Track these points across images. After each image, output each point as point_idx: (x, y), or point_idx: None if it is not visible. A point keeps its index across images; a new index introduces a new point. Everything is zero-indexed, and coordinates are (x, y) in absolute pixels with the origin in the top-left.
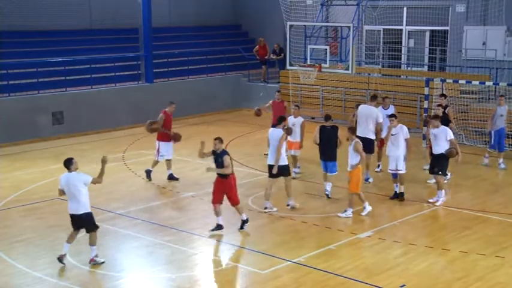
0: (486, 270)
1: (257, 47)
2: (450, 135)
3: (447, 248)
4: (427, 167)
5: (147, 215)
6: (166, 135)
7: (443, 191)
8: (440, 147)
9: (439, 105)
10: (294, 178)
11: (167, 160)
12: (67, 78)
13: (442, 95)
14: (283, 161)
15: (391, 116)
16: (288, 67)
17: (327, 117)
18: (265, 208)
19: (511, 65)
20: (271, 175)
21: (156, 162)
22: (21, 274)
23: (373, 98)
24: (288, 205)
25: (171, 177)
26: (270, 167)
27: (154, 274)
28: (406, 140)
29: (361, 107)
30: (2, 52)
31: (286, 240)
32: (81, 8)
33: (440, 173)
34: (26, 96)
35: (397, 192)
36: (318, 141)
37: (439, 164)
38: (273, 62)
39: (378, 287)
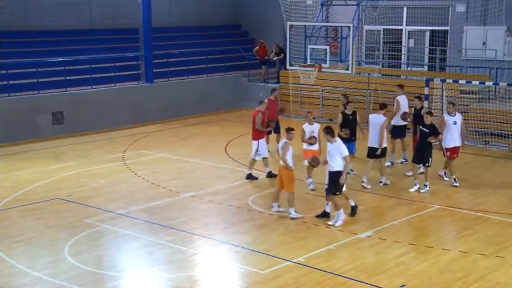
0: (486, 270)
1: (257, 47)
2: (344, 151)
3: (447, 248)
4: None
5: (147, 215)
6: (264, 132)
7: (341, 210)
8: (335, 163)
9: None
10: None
11: (264, 158)
12: (67, 78)
13: (417, 97)
14: (385, 144)
15: (325, 131)
16: (288, 67)
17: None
18: (363, 182)
19: (511, 65)
20: (373, 156)
21: (254, 162)
22: (21, 274)
23: (401, 87)
24: (380, 182)
25: (270, 175)
26: (371, 149)
27: (154, 274)
28: (343, 157)
29: (400, 97)
30: (2, 52)
31: (286, 240)
32: (81, 8)
33: (337, 193)
34: (26, 96)
35: (326, 211)
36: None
37: (333, 183)
38: (273, 62)
39: (378, 287)
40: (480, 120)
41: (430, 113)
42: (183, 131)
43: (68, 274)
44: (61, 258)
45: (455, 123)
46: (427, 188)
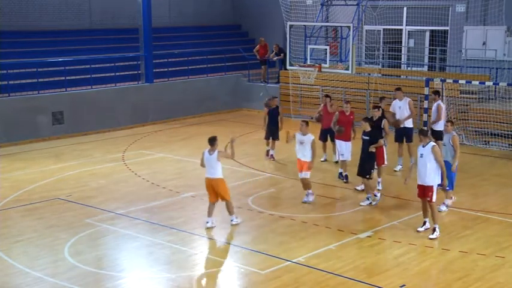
0: (486, 270)
1: (258, 46)
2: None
3: (447, 248)
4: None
5: (147, 215)
6: (345, 134)
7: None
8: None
9: (376, 106)
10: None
11: (342, 161)
12: (67, 78)
13: (377, 105)
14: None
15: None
16: (288, 67)
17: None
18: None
19: (511, 65)
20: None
21: (342, 163)
22: (21, 274)
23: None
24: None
25: (343, 177)
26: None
27: (154, 274)
28: None
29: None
30: (2, 52)
31: (286, 240)
32: (81, 8)
33: None
34: (26, 96)
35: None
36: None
37: None
38: (273, 62)
39: (378, 287)
40: (480, 120)
41: (367, 119)
42: (183, 131)
43: (68, 274)
44: (61, 258)
45: (421, 155)
46: (368, 202)
